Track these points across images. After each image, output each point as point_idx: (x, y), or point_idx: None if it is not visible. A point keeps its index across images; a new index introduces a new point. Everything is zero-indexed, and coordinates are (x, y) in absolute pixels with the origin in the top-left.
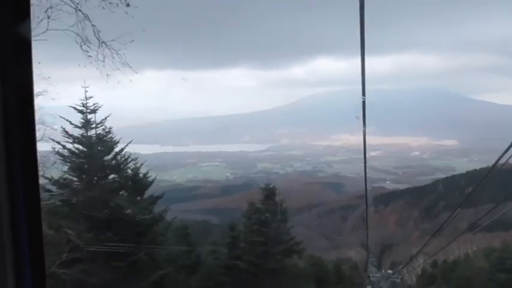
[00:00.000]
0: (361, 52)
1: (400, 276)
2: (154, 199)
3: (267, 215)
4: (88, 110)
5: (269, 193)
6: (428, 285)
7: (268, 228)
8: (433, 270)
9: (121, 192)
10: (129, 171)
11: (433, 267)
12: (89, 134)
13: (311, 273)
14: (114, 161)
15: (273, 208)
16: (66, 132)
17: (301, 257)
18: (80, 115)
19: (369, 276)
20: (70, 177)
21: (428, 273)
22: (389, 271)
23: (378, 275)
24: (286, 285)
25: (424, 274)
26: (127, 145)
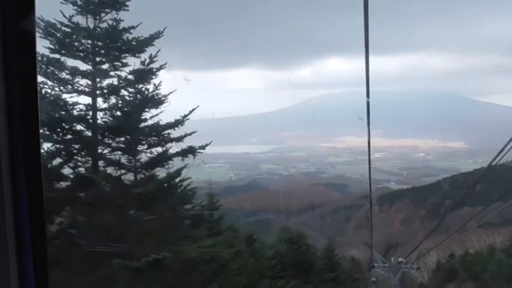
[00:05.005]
0: (366, 55)
1: (415, 266)
2: None
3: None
4: None
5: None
6: (448, 280)
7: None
8: (451, 264)
9: None
10: None
11: (449, 260)
12: None
13: (282, 252)
14: None
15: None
16: None
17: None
18: None
19: (373, 267)
20: None
21: (445, 267)
22: (400, 259)
23: (386, 265)
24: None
25: (440, 269)
26: None
